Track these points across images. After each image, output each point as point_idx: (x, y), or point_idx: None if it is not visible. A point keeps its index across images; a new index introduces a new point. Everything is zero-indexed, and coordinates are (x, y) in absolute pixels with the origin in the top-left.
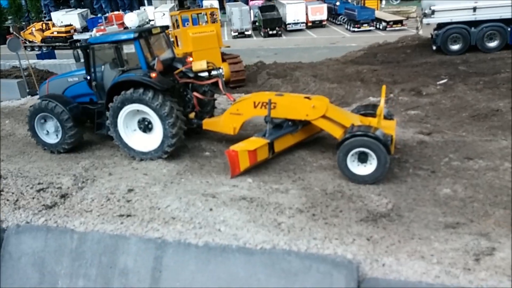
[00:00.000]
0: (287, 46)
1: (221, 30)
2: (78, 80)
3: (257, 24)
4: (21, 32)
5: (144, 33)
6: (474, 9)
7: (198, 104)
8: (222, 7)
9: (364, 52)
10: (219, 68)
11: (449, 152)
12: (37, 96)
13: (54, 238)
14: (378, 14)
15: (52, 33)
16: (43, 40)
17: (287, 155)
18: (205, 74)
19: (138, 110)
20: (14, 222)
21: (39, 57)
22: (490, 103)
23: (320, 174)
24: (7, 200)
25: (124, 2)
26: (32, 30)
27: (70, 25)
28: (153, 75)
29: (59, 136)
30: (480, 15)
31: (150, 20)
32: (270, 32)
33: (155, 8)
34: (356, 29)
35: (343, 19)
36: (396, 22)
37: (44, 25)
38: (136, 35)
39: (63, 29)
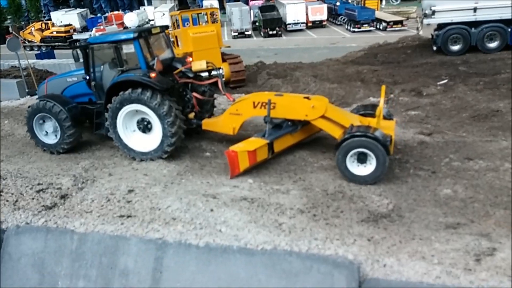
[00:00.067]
0: (287, 46)
1: (221, 30)
2: (77, 80)
3: (257, 24)
4: (21, 31)
5: (144, 33)
6: (475, 9)
7: (197, 104)
8: (222, 7)
9: (364, 53)
10: (219, 68)
11: (449, 152)
12: (36, 96)
13: (54, 239)
14: (378, 14)
15: (52, 33)
16: (42, 40)
17: (288, 156)
18: (205, 74)
19: (137, 111)
20: (13, 223)
21: (38, 57)
22: (490, 104)
23: (321, 174)
24: (7, 201)
25: (123, 2)
26: (31, 29)
27: (70, 25)
28: (153, 75)
29: (58, 136)
30: (480, 16)
31: (150, 20)
32: (270, 32)
33: (155, 8)
34: (356, 30)
35: (343, 19)
36: (396, 23)
37: (43, 24)
38: (136, 35)
39: (62, 29)
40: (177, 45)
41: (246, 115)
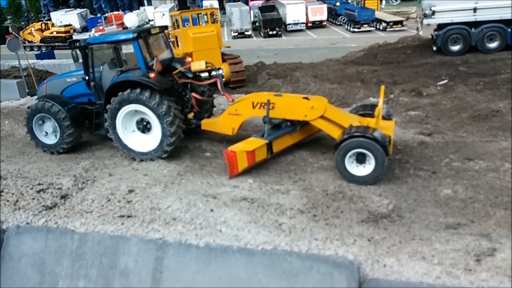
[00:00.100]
0: (287, 47)
1: (221, 31)
2: (77, 80)
3: (257, 24)
4: (21, 32)
5: (143, 33)
6: (475, 9)
7: (196, 104)
8: (222, 8)
9: (364, 53)
10: (219, 68)
11: (449, 152)
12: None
13: (55, 239)
14: (378, 14)
15: (52, 33)
16: (42, 40)
17: (288, 156)
18: (206, 74)
19: (136, 111)
20: (14, 223)
21: (38, 57)
22: (490, 104)
23: (321, 174)
24: (7, 201)
25: (123, 2)
26: (31, 30)
27: (70, 25)
28: (152, 75)
29: (58, 136)
30: (480, 16)
31: (149, 20)
32: (270, 33)
33: (155, 8)
34: (356, 30)
35: (343, 20)
36: (396, 23)
37: (43, 25)
38: (135, 35)
39: (62, 29)
40: (177, 45)
41: (245, 115)
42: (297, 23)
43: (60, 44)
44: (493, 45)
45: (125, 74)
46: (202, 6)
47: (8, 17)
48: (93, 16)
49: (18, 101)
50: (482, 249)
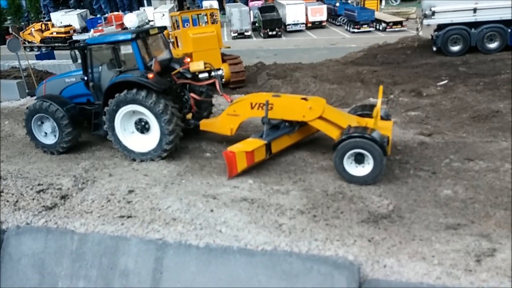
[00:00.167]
0: (287, 47)
1: (221, 31)
2: (76, 80)
3: (256, 25)
4: (21, 32)
5: (142, 33)
6: (474, 10)
7: (195, 104)
8: (221, 8)
9: (364, 53)
10: (219, 69)
11: (449, 153)
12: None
13: (54, 239)
14: (378, 15)
15: (52, 33)
16: (42, 41)
17: (288, 156)
18: (206, 75)
19: (134, 112)
20: (14, 223)
21: (38, 57)
22: (490, 104)
23: (321, 175)
24: (7, 201)
25: (123, 2)
26: (31, 30)
27: (70, 25)
28: (150, 75)
29: (56, 136)
30: (480, 16)
31: (149, 21)
32: (270, 33)
33: (155, 8)
34: (356, 30)
35: (343, 20)
36: (396, 23)
37: (43, 25)
38: (134, 35)
39: (62, 29)
40: (177, 46)
41: (243, 116)
42: (297, 24)
43: (60, 44)
44: (493, 45)
45: (124, 74)
46: (202, 7)
47: (8, 17)
48: (93, 16)
49: (18, 101)
50: (482, 249)
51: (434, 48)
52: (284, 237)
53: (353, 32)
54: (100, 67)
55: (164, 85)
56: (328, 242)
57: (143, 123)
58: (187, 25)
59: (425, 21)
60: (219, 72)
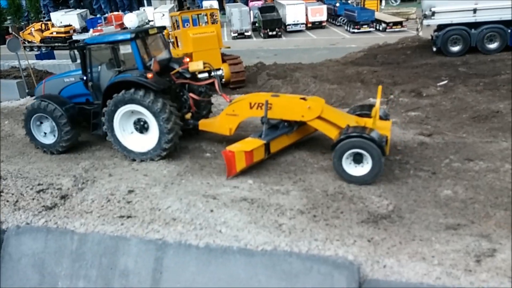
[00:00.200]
0: (287, 47)
1: (221, 31)
2: (75, 80)
3: (256, 25)
4: (20, 32)
5: (141, 33)
6: (474, 10)
7: (194, 104)
8: (221, 8)
9: (364, 53)
10: (219, 69)
11: (449, 153)
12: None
13: (54, 239)
14: (378, 15)
15: (51, 33)
16: (42, 41)
17: (288, 156)
18: (206, 75)
19: (132, 112)
20: (14, 223)
21: (38, 57)
22: (490, 105)
23: (321, 175)
24: (7, 201)
25: (123, 2)
26: (31, 30)
27: (70, 25)
28: (149, 75)
29: (56, 136)
30: (480, 17)
31: (149, 21)
32: (270, 33)
33: (155, 8)
34: (356, 30)
35: (343, 20)
36: (396, 24)
37: (43, 25)
38: (133, 35)
39: (62, 29)
40: (177, 46)
41: (242, 115)
42: (297, 24)
43: (60, 44)
44: (493, 46)
45: (123, 74)
46: (202, 7)
47: (8, 17)
48: (93, 16)
49: (18, 101)
50: (482, 249)
51: (434, 49)
52: (284, 237)
53: (353, 32)
54: (99, 67)
55: (163, 84)
56: (328, 242)
57: (142, 123)
58: (187, 25)
59: (425, 22)
60: (219, 72)
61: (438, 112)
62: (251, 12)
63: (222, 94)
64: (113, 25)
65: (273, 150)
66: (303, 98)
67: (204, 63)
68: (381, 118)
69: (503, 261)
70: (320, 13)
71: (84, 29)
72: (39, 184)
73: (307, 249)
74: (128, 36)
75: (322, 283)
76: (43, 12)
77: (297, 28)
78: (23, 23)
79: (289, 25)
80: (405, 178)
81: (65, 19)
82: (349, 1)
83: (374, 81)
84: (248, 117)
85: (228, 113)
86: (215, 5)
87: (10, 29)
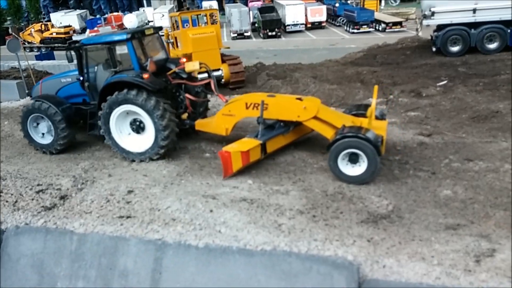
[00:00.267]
0: (286, 47)
1: (221, 31)
2: (71, 80)
3: (256, 25)
4: (20, 33)
5: (137, 34)
6: (474, 10)
7: (190, 105)
8: (221, 8)
9: (363, 54)
10: (218, 69)
11: (449, 153)
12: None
13: (54, 240)
14: (378, 15)
15: (51, 34)
16: (42, 41)
17: (287, 157)
18: (205, 75)
19: (127, 113)
20: (13, 224)
21: (38, 58)
22: (490, 105)
23: (320, 175)
24: (6, 201)
25: (123, 3)
26: (31, 31)
27: (69, 26)
28: (146, 76)
29: (52, 136)
30: (480, 17)
31: (149, 21)
32: (270, 33)
33: (154, 9)
34: (355, 31)
35: (343, 21)
36: (395, 24)
37: (43, 26)
38: (129, 36)
39: (62, 30)
40: (177, 46)
41: (238, 116)
42: (297, 24)
43: (59, 45)
44: (492, 46)
45: (119, 74)
46: (201, 7)
47: (8, 18)
48: (93, 17)
49: (17, 101)
50: (481, 250)
51: (434, 49)
52: (284, 237)
53: (353, 33)
54: (96, 67)
55: (159, 85)
56: (327, 242)
57: (138, 123)
58: (186, 25)
59: (425, 22)
60: (219, 73)
61: (438, 112)
62: (251, 12)
63: (218, 95)
64: (113, 25)
65: (270, 150)
66: (299, 98)
67: (200, 64)
68: (377, 118)
69: (503, 261)
70: (319, 14)
71: (84, 30)
72: (38, 185)
73: (306, 249)
74: (124, 36)
75: (321, 283)
76: (43, 12)
77: (297, 28)
78: (23, 24)
79: (288, 25)
80: (405, 178)
81: (65, 19)
82: (349, 1)
83: (374, 81)
84: (245, 118)
85: (224, 113)
86: (215, 5)
87: (10, 30)
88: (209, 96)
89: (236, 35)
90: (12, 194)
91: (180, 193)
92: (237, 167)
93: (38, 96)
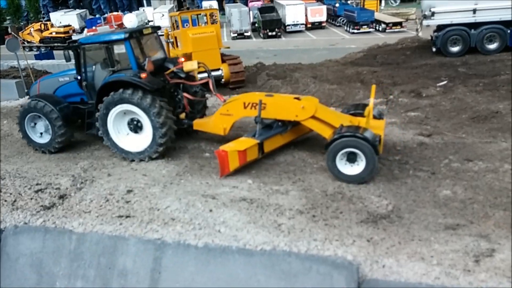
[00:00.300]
0: (286, 47)
1: (221, 31)
2: (69, 80)
3: (256, 25)
4: (20, 32)
5: (135, 33)
6: (474, 11)
7: (189, 104)
8: (221, 8)
9: (363, 54)
10: (218, 69)
11: (449, 153)
12: None
13: (52, 239)
14: (378, 15)
15: (51, 33)
16: (41, 41)
17: (287, 156)
18: (205, 75)
19: (125, 113)
20: (12, 223)
21: (37, 57)
22: (490, 105)
23: (320, 175)
24: (5, 200)
25: (123, 2)
26: (30, 30)
27: (69, 25)
28: (143, 75)
29: (50, 135)
30: (480, 17)
31: (149, 21)
32: (270, 33)
33: (154, 9)
34: (355, 31)
35: (343, 21)
36: (395, 24)
37: (42, 25)
38: (127, 35)
39: (61, 29)
40: (177, 46)
41: (236, 115)
42: (297, 24)
43: (59, 44)
44: (492, 46)
45: (117, 74)
46: (201, 7)
47: (8, 17)
48: (92, 16)
49: (17, 101)
50: (481, 250)
51: (434, 49)
52: (283, 237)
53: (353, 33)
54: (94, 67)
55: (157, 84)
56: (327, 242)
57: (135, 122)
58: (186, 25)
59: (425, 22)
60: (219, 72)
61: (438, 112)
62: (251, 12)
63: (217, 94)
64: (112, 25)
65: (267, 149)
66: (297, 98)
67: (198, 63)
68: (375, 117)
69: (502, 261)
70: (319, 14)
71: (84, 29)
72: (37, 184)
73: (306, 249)
74: (122, 36)
75: (321, 283)
76: (43, 12)
77: (297, 28)
78: (22, 23)
79: (288, 25)
80: (405, 178)
81: (64, 19)
82: (349, 2)
83: (374, 81)
84: (243, 117)
85: (222, 113)
86: (215, 5)
87: (9, 29)
88: (207, 95)
89: (236, 35)
90: (11, 194)
91: (180, 193)
92: (234, 166)
93: (35, 95)
